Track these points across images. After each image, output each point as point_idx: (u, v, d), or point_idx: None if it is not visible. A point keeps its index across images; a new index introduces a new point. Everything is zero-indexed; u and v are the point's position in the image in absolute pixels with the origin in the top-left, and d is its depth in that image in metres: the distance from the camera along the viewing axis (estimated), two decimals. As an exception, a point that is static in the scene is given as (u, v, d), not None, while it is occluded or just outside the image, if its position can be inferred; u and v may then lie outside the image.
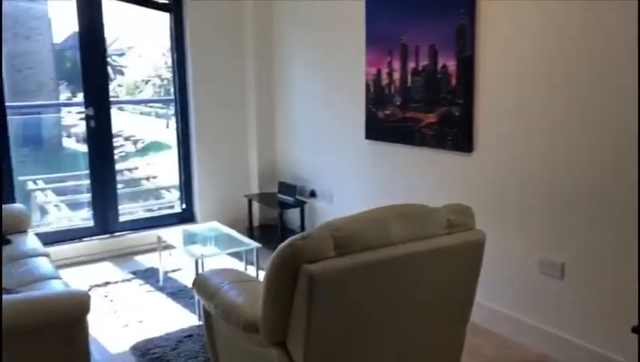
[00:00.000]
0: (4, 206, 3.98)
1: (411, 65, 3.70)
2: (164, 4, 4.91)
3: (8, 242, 3.57)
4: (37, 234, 4.05)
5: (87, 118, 4.66)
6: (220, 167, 5.20)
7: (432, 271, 2.23)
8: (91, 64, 4.61)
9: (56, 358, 2.35)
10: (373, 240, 2.12)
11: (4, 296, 2.44)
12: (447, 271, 2.27)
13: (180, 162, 5.18)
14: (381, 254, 2.11)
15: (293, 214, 5.04)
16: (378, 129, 4.03)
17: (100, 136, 4.73)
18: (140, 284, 4.11)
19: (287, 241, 2.03)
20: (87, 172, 4.79)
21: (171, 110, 5.22)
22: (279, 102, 5.17)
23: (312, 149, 4.84)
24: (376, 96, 4.01)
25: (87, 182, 4.87)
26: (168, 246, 4.09)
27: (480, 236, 2.32)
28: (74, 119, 6.81)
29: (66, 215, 6.00)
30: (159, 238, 4.02)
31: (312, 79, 4.73)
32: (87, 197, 4.98)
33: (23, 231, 3.80)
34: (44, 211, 6.04)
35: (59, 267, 4.28)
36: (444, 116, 3.52)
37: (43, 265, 3.25)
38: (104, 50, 4.64)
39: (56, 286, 2.88)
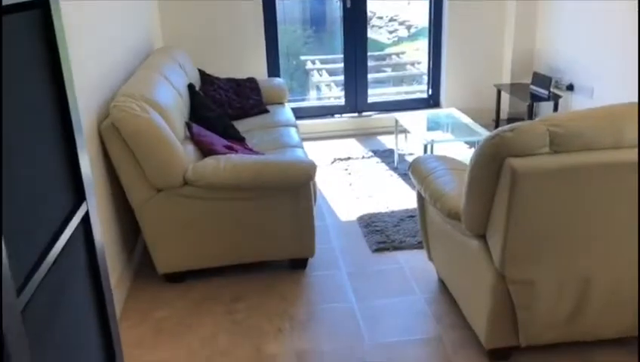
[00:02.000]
0: (268, 79, 4.48)
1: None
2: None
3: (266, 111, 4.06)
4: (294, 109, 4.52)
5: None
6: (471, 53, 4.96)
7: (673, 184, 1.87)
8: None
9: (285, 213, 2.69)
10: (600, 139, 1.87)
11: (251, 155, 2.83)
12: (696, 188, 1.89)
13: (430, 46, 5.08)
14: (607, 157, 1.86)
15: (547, 109, 4.62)
16: (660, 12, 3.33)
17: (354, 19, 4.88)
18: (377, 163, 4.33)
19: (494, 132, 1.91)
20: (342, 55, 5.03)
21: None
22: (545, -19, 4.60)
23: (575, 37, 4.26)
24: (663, -29, 3.28)
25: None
26: (406, 130, 4.17)
27: None
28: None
29: (335, 94, 6.50)
30: (396, 121, 4.12)
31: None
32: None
33: (280, 103, 4.27)
34: (318, 89, 6.62)
35: (311, 139, 4.78)
36: None
37: (291, 134, 3.63)
38: None
39: (294, 154, 3.22)
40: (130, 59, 3.30)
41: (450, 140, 3.75)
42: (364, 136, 4.96)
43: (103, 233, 2.46)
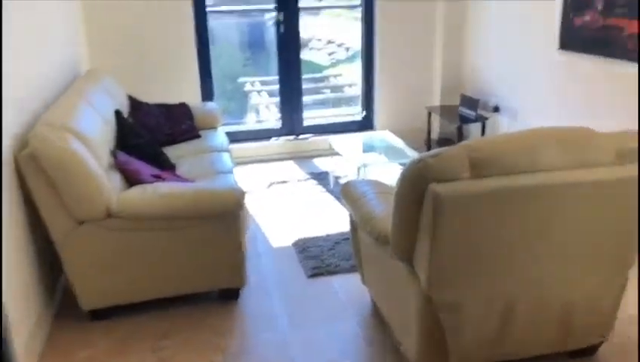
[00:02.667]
0: (200, 103, 4.40)
1: (622, -40, 3.09)
2: None
3: (198, 136, 3.99)
4: (230, 133, 4.48)
5: (277, 23, 4.83)
6: (403, 76, 5.07)
7: (587, 205, 1.95)
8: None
9: (214, 242, 2.63)
10: (517, 164, 1.92)
11: (179, 183, 2.76)
12: (608, 208, 1.97)
13: (363, 69, 5.17)
14: (525, 180, 1.91)
15: (475, 129, 4.77)
16: (574, 39, 3.51)
17: (287, 43, 4.90)
18: (313, 185, 4.32)
19: (417, 157, 1.94)
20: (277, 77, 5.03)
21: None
22: (469, 7, 4.78)
23: (500, 59, 4.44)
24: (574, -1, 3.47)
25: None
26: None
27: (658, 170, 1.94)
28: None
29: (275, 115, 6.49)
30: (330, 145, 4.14)
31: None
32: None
33: (213, 128, 4.20)
34: (257, 112, 6.58)
35: (245, 163, 4.74)
36: (656, 23, 2.92)
37: (222, 160, 3.57)
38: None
39: (224, 181, 3.17)
40: (54, 82, 3.17)
41: (382, 163, 3.79)
42: (301, 158, 4.95)
43: (20, 270, 2.33)
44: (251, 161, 4.86)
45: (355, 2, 5.05)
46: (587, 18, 3.37)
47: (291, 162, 4.89)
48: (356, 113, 5.40)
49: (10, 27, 2.54)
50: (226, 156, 3.66)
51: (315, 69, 8.15)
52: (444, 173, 1.88)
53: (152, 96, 4.28)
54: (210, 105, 4.35)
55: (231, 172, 3.39)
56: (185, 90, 4.62)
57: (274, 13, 4.82)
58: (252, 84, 6.69)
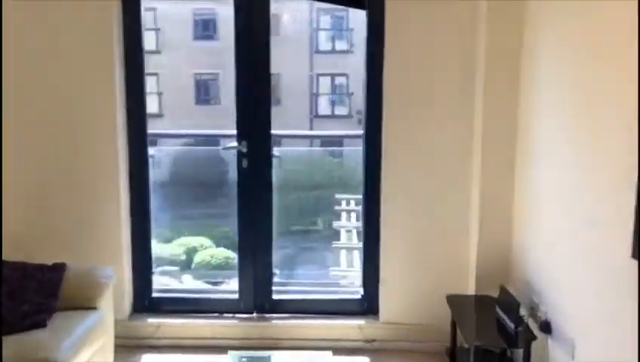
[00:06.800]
0: (88, 267, 3.07)
1: None
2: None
3: (42, 325, 2.63)
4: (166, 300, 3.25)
5: (239, 156, 3.48)
6: (418, 248, 3.39)
7: None
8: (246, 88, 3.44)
9: None
10: None
11: None
12: None
13: (364, 234, 3.57)
14: None
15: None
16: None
17: (253, 182, 3.50)
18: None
19: None
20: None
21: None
22: (518, 164, 3.07)
23: (552, 256, 2.62)
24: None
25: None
26: None
27: None
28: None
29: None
30: None
31: (561, 141, 2.55)
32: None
33: (91, 308, 2.83)
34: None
35: (183, 348, 3.32)
36: None
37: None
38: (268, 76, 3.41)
39: None
40: None
41: None
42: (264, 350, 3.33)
43: None
44: (190, 346, 3.37)
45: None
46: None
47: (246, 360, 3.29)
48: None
49: None
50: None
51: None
52: None
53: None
54: (100, 270, 2.99)
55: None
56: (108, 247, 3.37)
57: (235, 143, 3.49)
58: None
